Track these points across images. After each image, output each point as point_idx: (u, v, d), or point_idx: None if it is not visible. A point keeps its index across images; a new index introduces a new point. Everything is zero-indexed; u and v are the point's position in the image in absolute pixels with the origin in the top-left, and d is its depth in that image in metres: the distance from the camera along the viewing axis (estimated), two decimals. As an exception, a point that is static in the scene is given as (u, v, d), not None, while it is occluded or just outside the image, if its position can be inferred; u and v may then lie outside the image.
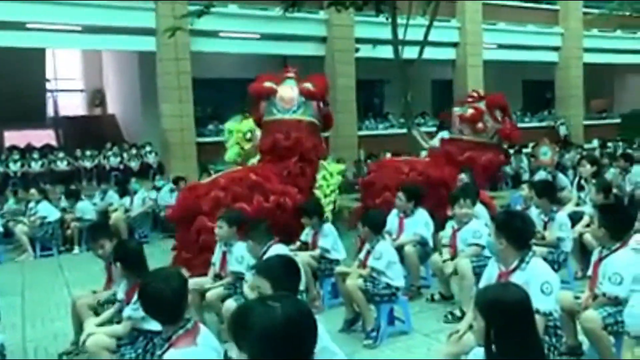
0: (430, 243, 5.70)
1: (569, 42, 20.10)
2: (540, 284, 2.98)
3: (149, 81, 14.76)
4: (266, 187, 5.74)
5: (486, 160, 7.12)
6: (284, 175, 5.96)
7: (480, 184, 6.73)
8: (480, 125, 7.05)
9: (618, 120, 19.98)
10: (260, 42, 14.99)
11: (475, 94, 7.48)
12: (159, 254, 6.50)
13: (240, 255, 4.56)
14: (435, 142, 8.40)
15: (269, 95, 6.12)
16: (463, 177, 6.53)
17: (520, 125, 19.54)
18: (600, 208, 4.05)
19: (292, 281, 2.67)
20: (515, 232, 3.12)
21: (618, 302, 3.32)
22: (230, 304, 4.15)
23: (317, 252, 5.36)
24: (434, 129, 16.72)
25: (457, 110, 7.39)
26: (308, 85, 6.14)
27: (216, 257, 4.81)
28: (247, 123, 8.08)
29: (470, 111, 7.12)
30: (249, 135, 8.10)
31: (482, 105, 7.15)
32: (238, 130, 8.25)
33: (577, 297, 3.74)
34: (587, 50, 20.39)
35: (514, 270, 3.12)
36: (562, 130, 19.23)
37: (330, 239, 5.36)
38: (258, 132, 7.19)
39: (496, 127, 7.14)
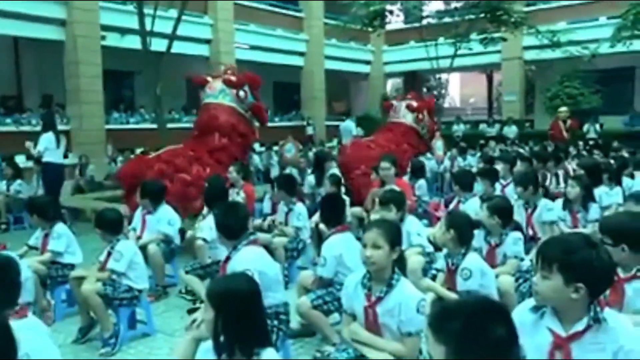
0: (176, 240, 5.58)
1: (312, 48, 21.93)
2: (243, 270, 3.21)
3: None
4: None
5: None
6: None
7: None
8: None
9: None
10: (-17, 19, 12.89)
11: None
12: None
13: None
14: None
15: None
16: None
17: (270, 124, 20.67)
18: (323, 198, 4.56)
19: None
20: (225, 227, 3.45)
21: (326, 283, 3.75)
22: None
23: (47, 256, 4.78)
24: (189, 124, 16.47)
25: None
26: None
27: None
28: None
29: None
30: None
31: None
32: None
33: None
34: (327, 57, 22.51)
35: (228, 259, 3.44)
36: (309, 130, 20.87)
37: (63, 241, 4.82)
38: None
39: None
